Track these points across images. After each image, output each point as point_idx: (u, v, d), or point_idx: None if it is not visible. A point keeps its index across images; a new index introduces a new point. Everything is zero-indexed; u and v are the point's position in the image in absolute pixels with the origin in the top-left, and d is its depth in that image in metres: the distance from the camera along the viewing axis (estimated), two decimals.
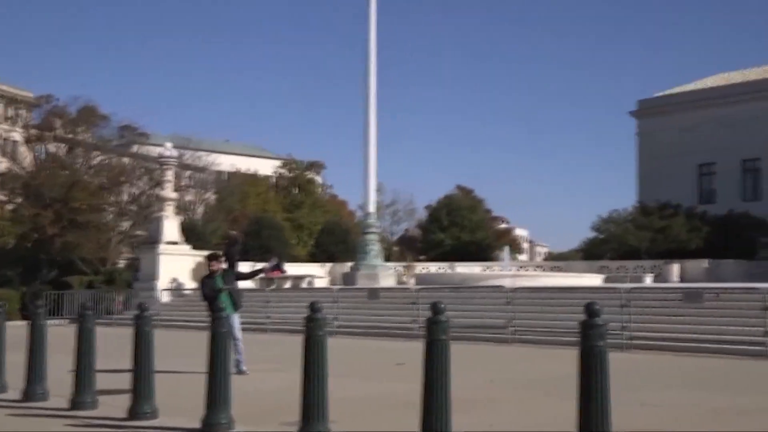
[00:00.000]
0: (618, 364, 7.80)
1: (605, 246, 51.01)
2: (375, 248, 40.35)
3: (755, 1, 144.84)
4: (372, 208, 41.70)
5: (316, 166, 76.51)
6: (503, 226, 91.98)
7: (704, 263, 43.00)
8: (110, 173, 49.50)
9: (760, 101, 58.72)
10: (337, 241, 51.24)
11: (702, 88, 64.92)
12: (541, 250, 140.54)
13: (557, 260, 64.91)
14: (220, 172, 72.48)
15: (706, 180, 62.13)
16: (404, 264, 47.05)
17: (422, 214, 71.90)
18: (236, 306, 15.16)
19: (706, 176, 62.13)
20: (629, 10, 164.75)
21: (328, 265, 45.30)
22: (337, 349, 10.80)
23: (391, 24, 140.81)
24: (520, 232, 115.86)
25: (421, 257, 59.52)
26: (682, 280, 41.49)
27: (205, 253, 21.14)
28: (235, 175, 73.94)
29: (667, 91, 67.28)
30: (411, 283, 38.10)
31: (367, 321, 26.32)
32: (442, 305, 6.89)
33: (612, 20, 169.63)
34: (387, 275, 39.97)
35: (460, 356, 8.61)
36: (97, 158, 50.38)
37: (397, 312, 26.05)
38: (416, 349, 7.61)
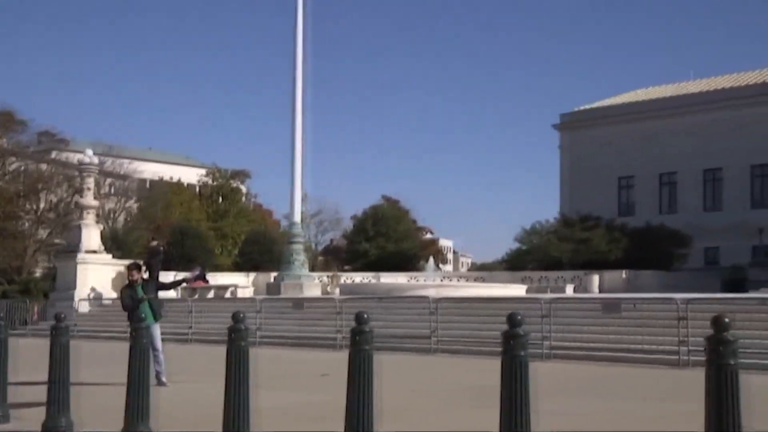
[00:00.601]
0: (539, 373, 7.90)
1: (528, 257, 51.77)
2: (300, 258, 40.20)
3: (675, 19, 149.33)
4: (298, 217, 41.53)
5: (241, 174, 75.87)
6: (429, 236, 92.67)
7: (623, 274, 44.00)
8: (27, 180, 48.25)
9: (677, 117, 60.54)
10: (262, 250, 50.85)
11: (621, 102, 66.59)
12: (466, 260, 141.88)
13: (481, 271, 65.61)
14: (142, 180, 71.29)
15: (626, 193, 63.69)
16: (329, 274, 46.94)
17: (348, 224, 71.97)
18: (157, 316, 14.92)
19: (625, 189, 63.69)
20: (557, 23, 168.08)
21: (253, 274, 44.93)
22: (261, 359, 10.70)
23: (322, 32, 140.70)
24: (445, 242, 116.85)
25: (347, 267, 59.49)
26: (602, 290, 42.36)
27: (127, 262, 20.76)
28: (159, 183, 72.83)
29: (589, 106, 68.79)
30: (336, 293, 38.02)
31: (292, 331, 26.17)
32: (366, 315, 6.88)
33: (540, 33, 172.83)
34: (312, 285, 39.83)
35: (385, 366, 8.61)
36: (13, 164, 49.04)
37: (322, 322, 25.95)
38: (341, 359, 7.58)
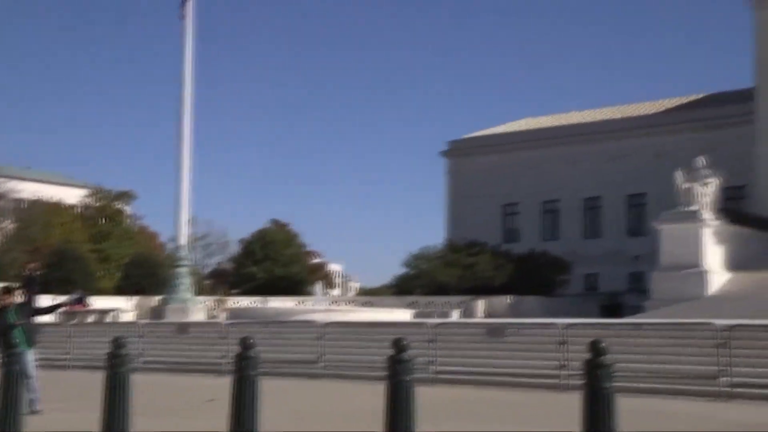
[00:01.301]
0: (424, 397, 7.96)
1: (416, 282, 52.28)
2: (185, 282, 39.50)
3: (560, 52, 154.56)
4: (184, 240, 40.81)
5: (125, 196, 73.92)
6: (317, 260, 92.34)
7: (508, 299, 45.00)
8: None
9: (559, 146, 62.56)
10: (146, 274, 49.65)
11: (506, 131, 68.35)
12: (354, 285, 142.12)
13: (369, 295, 65.84)
14: (20, 200, 68.62)
15: (510, 219, 65.25)
16: (216, 298, 46.23)
17: (236, 248, 70.99)
18: (31, 342, 14.37)
19: (510, 216, 65.25)
20: (447, 52, 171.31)
21: (136, 298, 43.81)
22: (142, 386, 10.40)
23: (210, 53, 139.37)
24: (334, 266, 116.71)
25: (234, 291, 58.66)
26: (487, 315, 43.18)
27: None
28: (37, 204, 70.21)
29: (475, 133, 70.29)
30: (222, 317, 37.46)
31: (176, 357, 25.56)
32: (252, 340, 6.82)
33: (430, 61, 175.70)
34: (197, 309, 39.15)
35: (271, 392, 8.51)
36: None
37: (207, 347, 25.45)
38: (226, 385, 7.46)
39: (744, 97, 51.14)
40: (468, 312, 43.95)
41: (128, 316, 39.82)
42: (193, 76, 39.93)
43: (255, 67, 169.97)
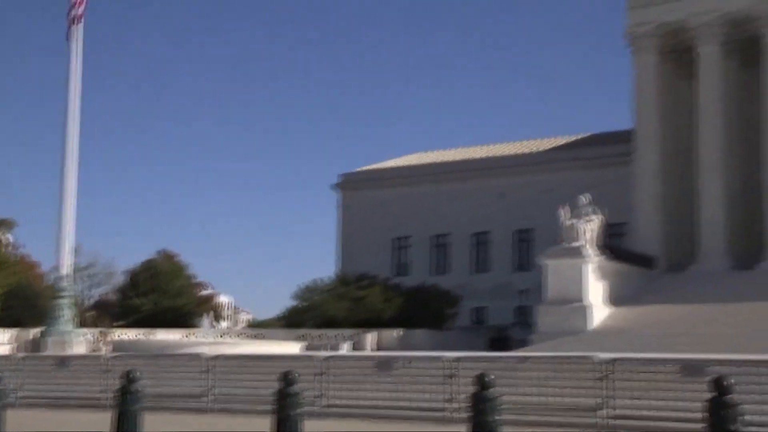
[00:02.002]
0: (310, 430, 7.90)
1: (306, 314, 51.92)
2: (67, 313, 38.22)
3: (451, 89, 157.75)
4: (66, 270, 39.49)
5: (5, 224, 71.09)
6: (206, 292, 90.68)
7: (397, 332, 45.22)
8: None
9: (449, 182, 63.63)
10: (25, 305, 47.73)
11: (398, 165, 69.10)
12: (244, 317, 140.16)
13: (259, 328, 64.98)
14: None
15: (401, 253, 65.77)
16: (99, 330, 44.79)
17: (122, 278, 69.05)
18: None
19: (401, 249, 65.78)
20: (339, 87, 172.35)
21: (14, 331, 42.02)
22: (18, 422, 9.97)
23: (96, 79, 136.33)
24: (223, 298, 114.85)
25: (118, 324, 56.94)
26: (377, 348, 43.26)
27: None
28: None
29: (367, 167, 70.73)
30: (105, 350, 36.31)
31: (56, 391, 24.63)
32: (136, 374, 6.64)
33: (322, 94, 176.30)
34: (79, 342, 37.88)
35: (154, 427, 8.30)
36: None
37: (89, 381, 24.62)
38: (108, 420, 7.24)
39: (625, 138, 53.33)
40: (358, 345, 43.94)
41: (4, 350, 38.13)
42: (79, 102, 38.91)
43: (143, 94, 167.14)
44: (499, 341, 46.44)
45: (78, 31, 38.82)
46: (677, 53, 50.57)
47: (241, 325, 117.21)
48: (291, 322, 52.90)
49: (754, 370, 17.65)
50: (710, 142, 47.35)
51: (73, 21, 38.61)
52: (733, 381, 13.69)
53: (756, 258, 45.46)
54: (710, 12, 47.37)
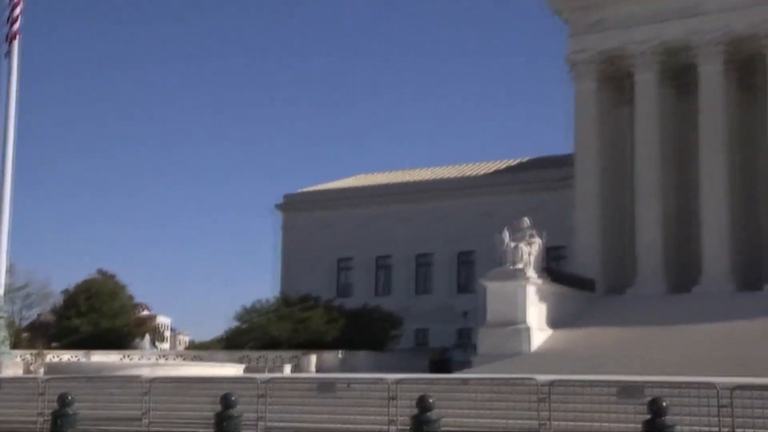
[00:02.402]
0: None
1: (247, 336, 51.47)
2: (0, 334, 37.22)
3: (393, 112, 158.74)
4: (0, 291, 38.52)
5: None
6: (145, 313, 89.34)
7: (339, 354, 45.10)
8: None
9: (393, 204, 63.87)
10: None
11: (342, 187, 69.17)
12: (184, 338, 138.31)
13: (199, 349, 64.19)
14: None
15: (345, 274, 65.72)
16: (34, 352, 43.74)
17: (58, 299, 67.65)
18: None
19: (344, 271, 65.73)
20: (289, 105, 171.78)
21: None
22: None
23: (33, 94, 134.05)
24: (163, 319, 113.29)
25: (54, 345, 55.71)
26: (319, 370, 43.05)
27: None
28: None
29: (310, 188, 70.64)
30: (41, 372, 35.48)
31: None
32: (71, 397, 6.53)
33: (257, 113, 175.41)
34: (12, 364, 36.91)
35: None
36: None
37: (22, 404, 24.03)
38: None
39: (566, 162, 54.23)
40: (299, 367, 43.68)
41: None
42: (15, 120, 38.10)
43: (81, 108, 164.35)
44: (441, 363, 46.56)
45: (15, 48, 38.13)
46: (616, 80, 51.67)
47: (180, 347, 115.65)
48: (231, 343, 52.36)
49: (689, 392, 17.99)
50: (647, 167, 48.37)
51: (11, 37, 37.94)
52: (668, 403, 13.96)
53: (692, 282, 46.46)
54: (647, 40, 48.54)
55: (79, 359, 42.55)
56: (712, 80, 47.32)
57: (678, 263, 48.59)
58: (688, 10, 47.92)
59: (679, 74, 50.25)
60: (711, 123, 47.05)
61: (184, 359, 46.49)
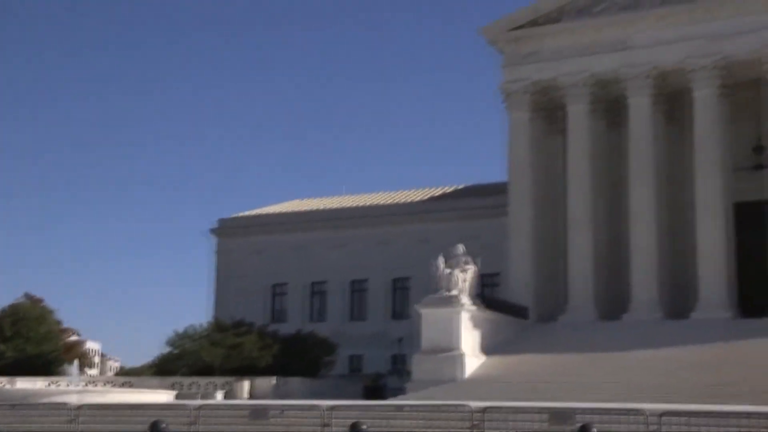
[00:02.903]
0: None
1: (179, 362, 50.75)
2: None
3: (330, 137, 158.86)
4: None
5: None
6: (73, 338, 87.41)
7: (273, 380, 44.72)
8: None
9: (328, 229, 63.85)
10: None
11: (277, 212, 68.90)
12: (114, 364, 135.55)
13: (130, 375, 62.99)
14: None
15: (279, 300, 65.34)
16: None
17: None
18: None
19: (279, 296, 65.36)
20: (218, 131, 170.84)
21: None
22: None
23: None
24: (92, 345, 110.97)
25: None
26: (252, 396, 42.61)
27: None
28: None
29: (245, 213, 70.24)
30: None
31: None
32: None
33: (203, 139, 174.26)
34: None
35: None
36: None
37: None
38: None
39: (501, 189, 54.87)
40: (232, 393, 43.14)
41: None
42: None
43: (8, 130, 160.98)
44: (375, 390, 46.48)
45: None
46: (549, 110, 52.62)
47: (110, 373, 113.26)
48: (163, 369, 51.55)
49: (618, 418, 18.33)
50: (578, 197, 49.23)
51: None
52: (598, 428, 14.20)
53: (622, 309, 47.33)
54: (579, 73, 49.57)
55: (3, 386, 41.34)
56: (641, 113, 48.50)
57: (609, 291, 49.48)
58: (617, 44, 49.13)
59: (611, 106, 51.43)
60: (640, 154, 48.16)
61: (113, 385, 45.61)
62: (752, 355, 38.00)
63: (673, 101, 50.55)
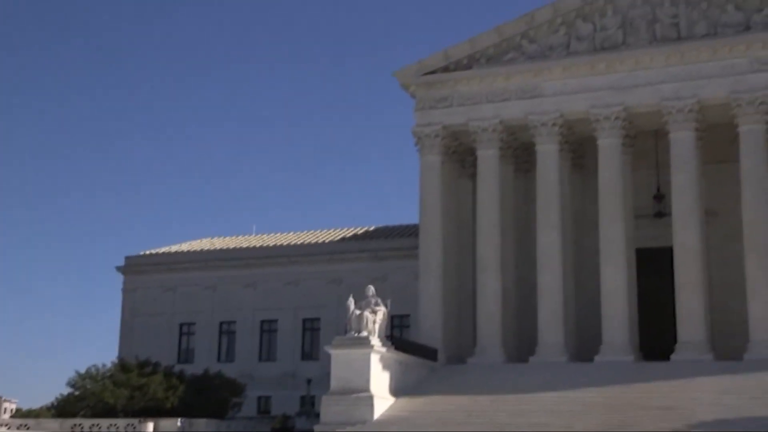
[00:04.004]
0: None
1: (81, 403, 49.31)
2: None
3: (250, 176, 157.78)
4: None
5: None
6: None
7: (178, 422, 43.87)
8: None
9: (238, 268, 63.35)
10: None
11: (186, 250, 67.99)
12: (10, 406, 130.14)
13: (27, 417, 60.71)
14: None
15: (187, 339, 64.28)
16: None
17: None
18: None
19: (186, 336, 64.31)
20: (127, 167, 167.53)
21: None
22: None
23: None
24: None
25: None
26: None
27: None
28: None
29: (152, 250, 69.10)
30: None
31: None
32: None
33: (113, 175, 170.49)
34: None
35: None
36: None
37: None
38: None
39: (412, 231, 55.33)
40: None
41: None
42: None
43: None
44: (283, 431, 46.04)
45: None
46: (460, 154, 53.59)
47: (5, 415, 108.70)
48: (63, 411, 49.96)
49: None
50: (488, 240, 50.07)
51: None
52: None
53: (529, 352, 48.17)
54: (490, 118, 50.66)
55: None
56: (549, 159, 49.80)
57: (517, 334, 50.34)
58: (527, 92, 50.47)
59: (520, 152, 52.75)
60: (547, 200, 49.35)
61: (9, 428, 44.01)
62: (653, 397, 39.19)
63: (579, 149, 52.23)
